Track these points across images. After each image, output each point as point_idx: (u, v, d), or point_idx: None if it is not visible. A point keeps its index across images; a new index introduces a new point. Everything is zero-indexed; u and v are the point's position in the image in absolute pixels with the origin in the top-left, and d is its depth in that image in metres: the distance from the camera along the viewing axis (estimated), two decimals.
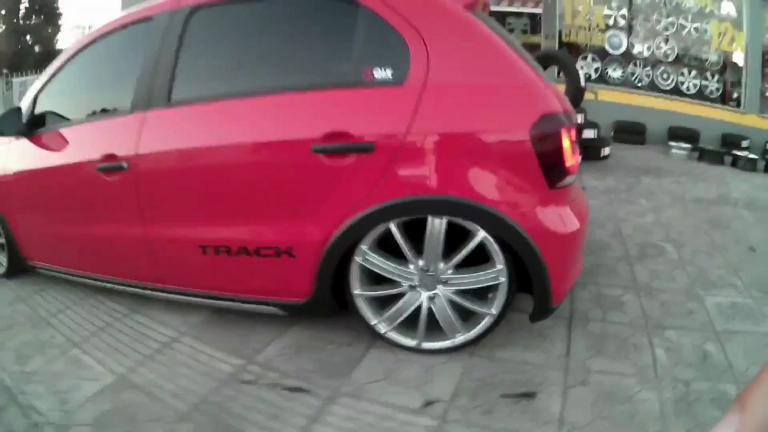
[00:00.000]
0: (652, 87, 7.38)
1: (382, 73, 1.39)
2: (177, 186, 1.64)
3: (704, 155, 6.17)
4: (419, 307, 1.51)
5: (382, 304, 1.57)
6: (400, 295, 1.51)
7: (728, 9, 7.05)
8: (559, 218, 1.41)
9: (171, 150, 1.63)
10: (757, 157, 5.97)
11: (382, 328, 1.56)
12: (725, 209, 3.44)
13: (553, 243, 1.39)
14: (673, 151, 6.28)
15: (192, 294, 1.79)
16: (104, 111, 1.93)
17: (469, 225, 1.38)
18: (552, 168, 1.35)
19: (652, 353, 1.52)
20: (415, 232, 1.42)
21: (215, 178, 1.57)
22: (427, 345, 1.55)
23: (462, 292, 1.48)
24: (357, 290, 1.52)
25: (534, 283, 1.42)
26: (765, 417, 0.45)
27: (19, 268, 2.32)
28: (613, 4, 7.26)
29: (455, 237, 1.42)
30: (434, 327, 1.53)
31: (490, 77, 1.37)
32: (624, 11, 7.27)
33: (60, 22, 18.88)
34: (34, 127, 2.01)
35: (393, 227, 1.40)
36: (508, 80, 1.37)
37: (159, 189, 1.67)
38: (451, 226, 1.40)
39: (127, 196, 1.70)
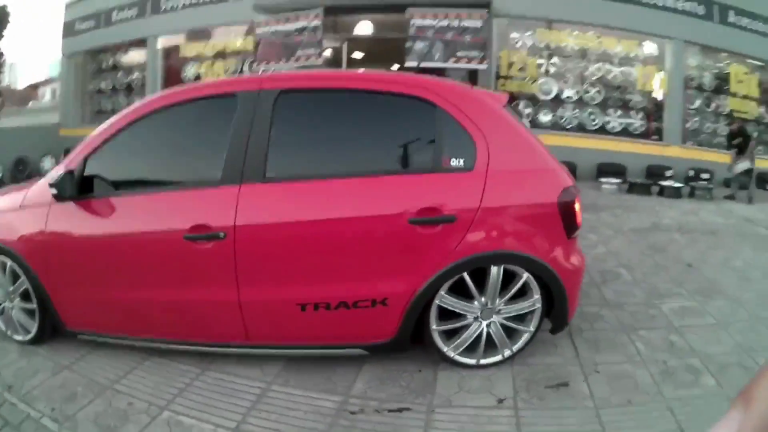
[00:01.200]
0: (581, 128, 8.45)
1: (456, 162, 1.90)
2: (278, 254, 1.92)
3: (633, 188, 7.02)
4: (479, 333, 2.01)
5: (448, 335, 2.03)
6: (466, 326, 2.00)
7: (651, 50, 8.54)
8: (574, 259, 2.05)
9: (272, 222, 1.90)
10: (681, 185, 6.89)
11: (450, 353, 2.02)
12: (660, 235, 4.29)
13: (570, 277, 2.03)
14: (604, 186, 7.15)
15: (271, 346, 2.03)
16: (177, 182, 2.09)
17: (517, 269, 1.94)
18: (570, 224, 1.99)
19: (634, 347, 2.23)
20: (476, 278, 1.92)
21: (319, 247, 1.90)
22: (484, 361, 2.07)
23: (511, 318, 2.03)
24: (434, 326, 1.98)
25: (557, 306, 2.04)
26: None
27: (42, 335, 2.29)
28: (545, 54, 8.50)
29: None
30: (486, 347, 2.03)
31: (526, 163, 1.98)
32: (555, 60, 8.53)
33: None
34: (81, 190, 2.04)
35: (466, 276, 1.90)
36: (538, 165, 1.99)
37: (258, 257, 1.92)
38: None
39: (221, 263, 1.90)
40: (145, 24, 9.89)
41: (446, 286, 1.93)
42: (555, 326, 2.14)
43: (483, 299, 1.99)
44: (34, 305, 2.23)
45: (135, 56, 10.32)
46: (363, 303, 1.91)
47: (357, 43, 9.20)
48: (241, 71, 8.88)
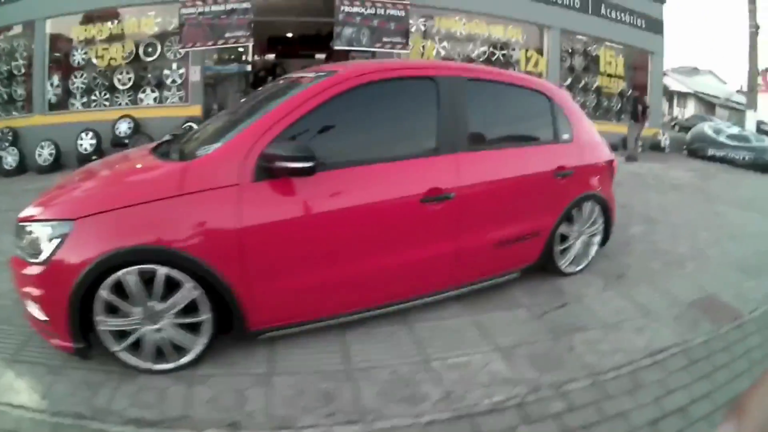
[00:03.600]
0: None
1: (565, 137, 3.05)
2: (484, 207, 2.60)
3: None
4: (575, 248, 3.22)
5: (562, 252, 3.19)
6: (571, 245, 3.18)
7: (534, 37, 10.43)
8: (612, 193, 3.38)
9: (480, 182, 2.55)
10: None
11: (563, 266, 3.20)
12: None
13: (613, 206, 3.33)
14: None
15: (466, 285, 2.72)
16: (397, 154, 2.36)
17: (594, 204, 3.19)
18: (613, 173, 3.31)
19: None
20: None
21: (507, 198, 2.72)
22: (578, 268, 3.27)
23: (590, 237, 3.29)
24: (557, 248, 3.12)
25: (606, 226, 3.39)
26: (765, 421, 0.46)
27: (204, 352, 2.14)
28: (436, 39, 9.79)
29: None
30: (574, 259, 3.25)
31: (591, 137, 3.27)
32: (445, 44, 9.87)
33: None
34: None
35: (575, 212, 3.11)
36: (595, 138, 3.30)
37: (472, 211, 2.54)
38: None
39: (448, 220, 2.44)
40: (32, 4, 8.51)
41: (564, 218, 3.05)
42: (604, 240, 3.45)
43: (579, 226, 3.19)
44: (203, 317, 2.04)
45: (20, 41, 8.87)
46: (528, 236, 2.88)
47: (286, 25, 9.36)
48: (161, 53, 8.41)
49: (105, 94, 8.49)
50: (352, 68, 2.48)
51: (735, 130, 11.24)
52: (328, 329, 2.40)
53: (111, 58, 8.45)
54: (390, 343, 2.35)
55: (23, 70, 8.69)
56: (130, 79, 8.43)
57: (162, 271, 1.93)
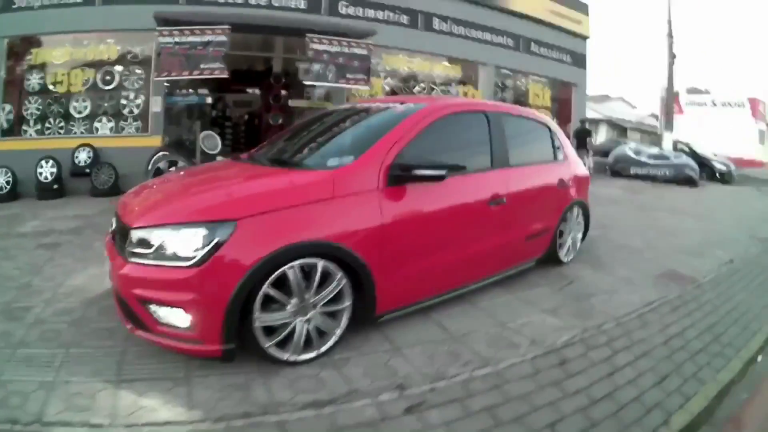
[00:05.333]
0: None
1: (560, 157, 4.15)
2: (519, 209, 3.45)
3: None
4: (568, 242, 4.28)
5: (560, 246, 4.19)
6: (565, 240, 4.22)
7: (469, 74, 11.68)
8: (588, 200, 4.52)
9: (519, 190, 3.41)
10: None
11: (563, 257, 4.20)
12: None
13: (588, 210, 4.48)
14: None
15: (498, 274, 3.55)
16: (470, 167, 3.07)
17: (580, 209, 4.30)
18: (588, 185, 4.48)
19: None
20: None
21: (531, 201, 3.62)
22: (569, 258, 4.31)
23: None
24: (559, 241, 4.12)
25: (586, 223, 4.50)
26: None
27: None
28: (382, 75, 10.82)
29: None
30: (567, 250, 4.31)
31: (575, 158, 4.38)
32: (389, 80, 10.98)
33: None
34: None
35: (569, 213, 4.15)
36: (577, 158, 4.40)
37: (515, 212, 3.38)
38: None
39: (502, 218, 3.26)
40: None
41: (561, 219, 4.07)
42: (583, 237, 4.54)
43: (570, 225, 4.25)
44: (345, 304, 2.45)
45: None
46: (543, 231, 3.88)
47: (257, 60, 9.86)
48: (119, 83, 8.59)
49: (59, 122, 8.49)
50: (437, 103, 3.22)
51: (654, 150, 13.50)
52: (414, 314, 2.93)
53: (70, 84, 8.44)
54: (468, 317, 3.03)
55: None
56: (86, 107, 8.51)
57: (321, 264, 2.30)
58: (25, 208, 6.64)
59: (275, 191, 2.42)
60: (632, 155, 13.03)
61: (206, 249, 2.10)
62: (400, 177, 2.60)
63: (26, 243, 4.62)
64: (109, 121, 8.58)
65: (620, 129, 29.89)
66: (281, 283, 2.24)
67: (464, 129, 3.26)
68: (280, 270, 2.20)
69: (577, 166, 4.43)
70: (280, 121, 10.28)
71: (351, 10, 9.75)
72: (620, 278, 3.97)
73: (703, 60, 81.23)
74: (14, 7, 8.40)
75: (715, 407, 2.35)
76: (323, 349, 2.43)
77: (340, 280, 2.39)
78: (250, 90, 11.98)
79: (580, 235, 4.45)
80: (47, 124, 8.47)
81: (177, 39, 7.98)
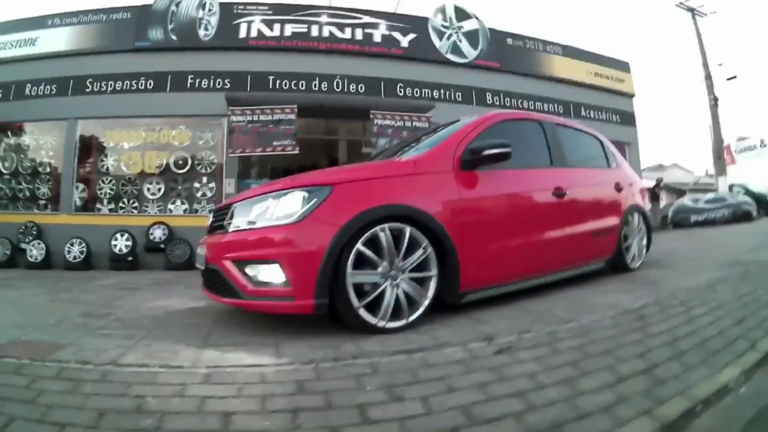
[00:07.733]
0: None
1: (614, 164, 4.48)
2: (579, 204, 3.66)
3: None
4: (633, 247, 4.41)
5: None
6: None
7: None
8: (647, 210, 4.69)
9: (576, 186, 3.64)
10: None
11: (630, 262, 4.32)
12: None
13: (649, 218, 4.67)
14: None
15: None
16: (537, 164, 3.50)
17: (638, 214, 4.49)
18: (645, 196, 4.76)
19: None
20: None
21: (596, 199, 3.92)
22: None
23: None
24: (624, 244, 4.25)
25: (648, 224, 4.63)
26: None
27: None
28: None
29: None
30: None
31: (628, 168, 4.70)
32: None
33: None
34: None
35: (629, 216, 4.35)
36: (631, 170, 4.69)
37: (575, 206, 3.60)
38: None
39: (564, 210, 3.48)
40: (65, 104, 9.21)
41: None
42: (647, 245, 4.64)
43: (633, 229, 4.39)
44: (432, 272, 2.58)
45: (46, 138, 9.35)
46: (607, 230, 4.01)
47: (322, 144, 11.03)
48: (192, 166, 9.17)
49: (133, 202, 9.00)
50: (495, 111, 3.66)
51: (710, 195, 13.51)
52: (495, 300, 3.07)
53: (144, 166, 9.10)
54: (548, 302, 3.12)
55: (48, 169, 9.23)
56: (160, 189, 9.05)
57: (408, 229, 2.51)
58: (101, 274, 7.18)
59: (366, 167, 2.99)
60: (690, 204, 13.12)
61: (305, 208, 2.37)
62: (471, 161, 2.91)
63: (106, 289, 5.07)
64: (182, 203, 9.11)
65: (678, 193, 29.80)
66: (373, 246, 2.45)
67: (522, 133, 3.60)
68: (372, 231, 2.42)
69: (632, 174, 4.66)
70: None
71: (408, 91, 10.41)
72: (687, 271, 4.26)
73: (752, 106, 78.52)
74: (87, 90, 9.22)
75: None
76: (411, 318, 2.52)
77: (426, 248, 2.58)
78: None
79: (644, 242, 4.55)
80: (121, 204, 9.01)
81: (249, 117, 8.64)
